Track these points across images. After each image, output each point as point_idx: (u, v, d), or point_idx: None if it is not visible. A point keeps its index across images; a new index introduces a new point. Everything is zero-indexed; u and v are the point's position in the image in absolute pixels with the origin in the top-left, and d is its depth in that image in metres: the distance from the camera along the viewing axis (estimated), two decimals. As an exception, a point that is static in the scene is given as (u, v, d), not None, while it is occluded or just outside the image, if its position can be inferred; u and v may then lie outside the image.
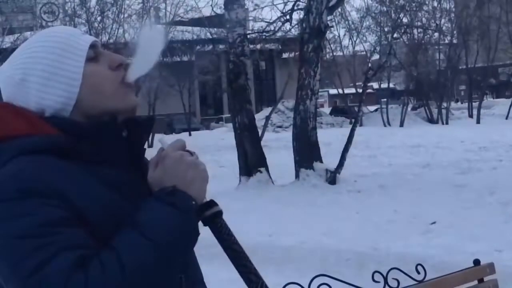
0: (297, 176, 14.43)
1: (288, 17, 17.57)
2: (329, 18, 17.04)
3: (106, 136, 1.55)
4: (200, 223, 1.54)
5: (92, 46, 1.60)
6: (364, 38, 44.81)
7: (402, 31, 35.09)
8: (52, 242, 1.37)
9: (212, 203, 1.55)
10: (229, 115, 23.36)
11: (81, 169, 1.49)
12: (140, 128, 1.65)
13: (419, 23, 39.87)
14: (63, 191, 1.43)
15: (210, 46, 35.98)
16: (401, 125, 40.21)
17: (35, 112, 1.54)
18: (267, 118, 29.53)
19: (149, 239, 1.40)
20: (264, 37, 19.62)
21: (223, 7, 16.08)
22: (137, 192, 1.52)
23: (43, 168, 1.45)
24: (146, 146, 1.75)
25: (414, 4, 38.05)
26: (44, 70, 1.55)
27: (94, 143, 1.53)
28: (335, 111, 50.48)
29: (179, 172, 1.50)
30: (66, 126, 1.53)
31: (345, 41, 53.86)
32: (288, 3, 19.42)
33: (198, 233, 1.49)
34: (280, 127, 40.57)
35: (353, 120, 21.64)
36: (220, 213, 1.55)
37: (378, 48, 42.65)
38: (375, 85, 53.43)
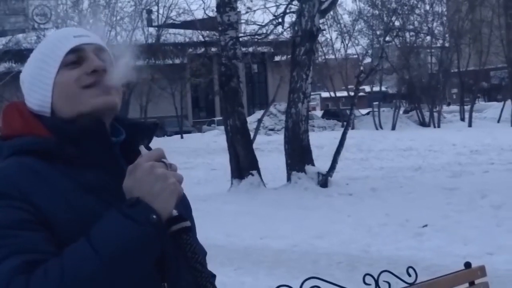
0: (288, 179, 14.44)
1: (280, 20, 17.59)
2: (321, 21, 17.08)
3: (90, 140, 1.55)
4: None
5: (75, 50, 1.62)
6: (356, 41, 44.95)
7: (394, 34, 35.24)
8: (5, 245, 1.39)
9: (180, 218, 1.49)
10: (221, 118, 23.33)
11: (61, 172, 1.52)
12: (141, 133, 1.66)
13: (411, 27, 40.01)
14: (30, 194, 1.45)
15: (202, 49, 35.96)
16: (393, 128, 40.31)
17: (36, 112, 1.62)
18: (259, 121, 29.55)
19: (95, 250, 1.37)
20: (256, 40, 19.65)
21: (215, 10, 16.07)
22: (120, 197, 1.48)
23: (18, 170, 1.49)
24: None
25: (406, 8, 38.20)
26: (30, 75, 1.65)
27: (78, 147, 1.55)
28: (327, 114, 50.52)
29: (147, 183, 1.45)
30: (53, 128, 1.57)
31: (337, 44, 53.95)
32: (280, 6, 19.49)
33: (156, 247, 1.44)
34: (272, 130, 40.61)
35: (345, 123, 21.64)
36: (187, 229, 1.49)
37: (370, 51, 42.80)
38: (367, 88, 53.44)
